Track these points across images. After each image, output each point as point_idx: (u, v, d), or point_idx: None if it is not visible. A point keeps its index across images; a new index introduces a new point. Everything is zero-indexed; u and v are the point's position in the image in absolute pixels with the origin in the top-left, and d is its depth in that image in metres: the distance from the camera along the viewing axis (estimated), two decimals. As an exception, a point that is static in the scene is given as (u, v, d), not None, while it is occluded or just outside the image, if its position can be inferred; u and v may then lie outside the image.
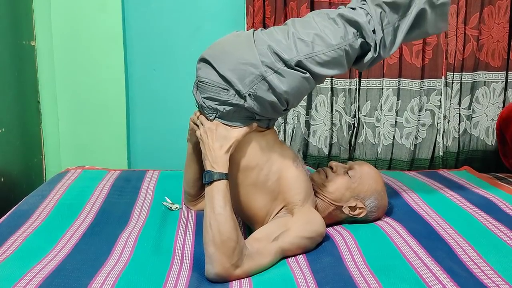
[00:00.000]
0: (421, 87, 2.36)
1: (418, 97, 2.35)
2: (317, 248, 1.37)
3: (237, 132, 1.34)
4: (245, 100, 1.31)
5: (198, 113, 1.42)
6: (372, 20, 1.35)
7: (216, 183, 1.27)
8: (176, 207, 1.67)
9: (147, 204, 1.71)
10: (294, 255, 1.33)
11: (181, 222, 1.54)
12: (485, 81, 2.38)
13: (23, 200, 1.74)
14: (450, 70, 2.35)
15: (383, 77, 2.36)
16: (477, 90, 2.39)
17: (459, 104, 2.39)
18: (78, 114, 2.41)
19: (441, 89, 2.36)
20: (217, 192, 1.26)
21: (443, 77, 2.35)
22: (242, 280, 1.21)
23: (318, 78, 1.37)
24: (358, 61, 1.41)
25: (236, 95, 1.31)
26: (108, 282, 1.15)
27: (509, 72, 2.37)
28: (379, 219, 1.54)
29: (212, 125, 1.34)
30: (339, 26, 1.34)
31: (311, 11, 2.26)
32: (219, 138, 1.32)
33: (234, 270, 1.20)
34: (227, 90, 1.31)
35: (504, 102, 2.41)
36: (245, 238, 1.30)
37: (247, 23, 2.31)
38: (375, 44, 1.36)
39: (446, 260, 1.26)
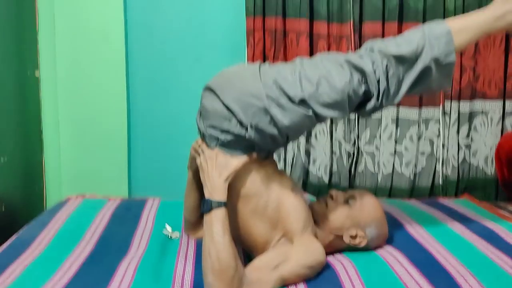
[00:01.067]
0: (420, 115, 2.39)
1: (417, 125, 2.36)
2: (318, 277, 1.37)
3: (237, 161, 1.35)
4: (247, 131, 1.33)
5: (199, 141, 1.44)
6: (377, 69, 1.37)
7: (214, 211, 1.28)
8: (176, 236, 1.67)
9: (147, 233, 1.71)
10: (294, 284, 1.32)
11: (181, 250, 1.54)
12: (482, 110, 2.41)
13: (24, 229, 1.73)
14: (448, 99, 2.37)
15: (382, 106, 2.38)
16: (475, 119, 2.42)
17: (458, 133, 2.41)
18: (80, 142, 2.43)
19: (439, 118, 2.38)
20: (216, 220, 1.26)
21: (441, 106, 2.38)
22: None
23: (319, 118, 1.38)
24: (360, 107, 1.43)
25: (238, 125, 1.33)
26: (107, 312, 1.14)
27: (506, 101, 2.40)
28: (379, 247, 1.53)
29: (212, 153, 1.36)
30: (345, 71, 1.37)
31: (310, 43, 2.32)
32: (219, 167, 1.34)
33: None
34: (230, 119, 1.33)
35: (502, 131, 2.42)
36: (245, 266, 1.30)
37: (247, 54, 2.35)
38: (379, 93, 1.38)
39: (447, 289, 1.26)
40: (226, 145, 1.36)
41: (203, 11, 2.45)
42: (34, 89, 2.38)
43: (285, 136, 1.37)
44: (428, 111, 2.39)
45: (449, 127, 2.39)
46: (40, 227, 1.72)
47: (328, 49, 2.35)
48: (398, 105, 2.38)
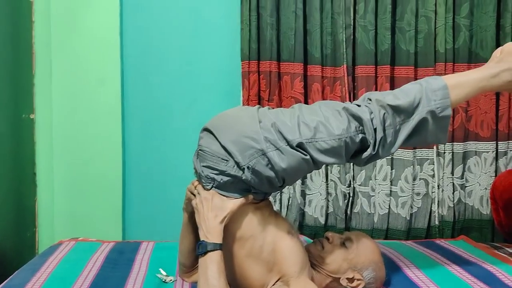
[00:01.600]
0: (414, 156, 2.40)
1: (411, 166, 2.37)
2: (315, 322, 1.34)
3: (233, 203, 1.35)
4: (243, 172, 1.33)
5: (195, 183, 1.44)
6: (375, 119, 1.39)
7: (210, 254, 1.26)
8: (171, 280, 1.64)
9: (141, 277, 1.67)
10: (292, 329, 1.29)
11: (176, 295, 1.51)
12: (476, 151, 2.43)
13: (15, 274, 1.70)
14: (442, 140, 2.39)
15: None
16: (469, 160, 2.43)
17: (452, 173, 2.42)
18: (74, 186, 2.41)
19: (433, 158, 2.40)
20: (211, 263, 1.25)
21: (434, 146, 2.39)
22: None
23: (316, 164, 1.39)
24: (357, 155, 1.44)
25: (235, 167, 1.34)
26: None
27: (498, 142, 2.42)
28: (377, 290, 1.51)
29: (208, 195, 1.36)
30: (343, 118, 1.39)
31: (304, 85, 2.35)
32: (214, 208, 1.33)
33: None
34: (227, 161, 1.34)
35: (496, 171, 2.44)
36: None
37: (242, 96, 2.37)
38: (375, 142, 1.40)
39: (447, 333, 1.23)
40: (222, 187, 1.36)
41: (199, 54, 2.49)
42: (29, 132, 2.39)
43: (282, 179, 1.38)
44: (422, 152, 2.41)
45: (443, 168, 2.40)
46: (32, 272, 1.69)
47: (323, 91, 2.38)
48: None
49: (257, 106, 1.48)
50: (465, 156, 2.43)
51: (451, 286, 1.53)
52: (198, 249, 1.28)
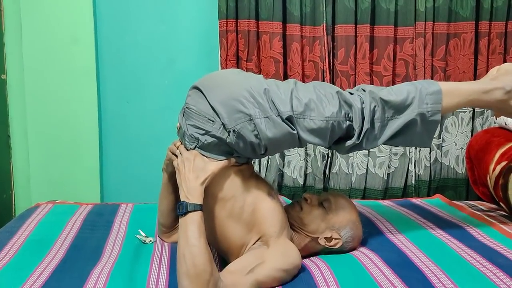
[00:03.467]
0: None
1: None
2: (293, 279, 1.36)
3: (215, 165, 1.35)
4: (228, 135, 1.33)
5: (177, 143, 1.42)
6: (365, 109, 1.39)
7: (190, 214, 1.26)
8: (150, 240, 1.64)
9: (120, 238, 1.68)
10: (270, 287, 1.31)
11: (155, 255, 1.52)
12: (453, 111, 2.45)
13: (-9, 237, 1.68)
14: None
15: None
16: (446, 120, 2.46)
17: (429, 133, 2.44)
18: (49, 148, 2.37)
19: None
20: (191, 223, 1.25)
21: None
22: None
23: (300, 141, 1.39)
24: (340, 142, 1.44)
25: (221, 128, 1.33)
26: (79, 321, 1.11)
27: (476, 102, 2.44)
28: (354, 249, 1.54)
29: (190, 155, 1.35)
30: (335, 101, 1.38)
31: (283, 44, 2.32)
32: (196, 169, 1.32)
33: None
34: (213, 121, 1.33)
35: (472, 131, 2.47)
36: (220, 270, 1.28)
37: (220, 56, 2.33)
38: (360, 132, 1.40)
39: (421, 288, 1.27)
40: (206, 148, 1.36)
41: (176, 13, 2.43)
42: (1, 93, 2.32)
43: (265, 148, 1.37)
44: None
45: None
46: (9, 235, 1.67)
47: (302, 50, 2.35)
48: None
49: (251, 73, 1.47)
50: (443, 115, 2.45)
51: (426, 243, 1.57)
52: (179, 209, 1.28)
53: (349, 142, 1.41)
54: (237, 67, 2.33)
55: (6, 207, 2.36)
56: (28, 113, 2.34)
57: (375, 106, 1.40)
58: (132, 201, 2.17)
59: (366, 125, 1.39)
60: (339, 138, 1.43)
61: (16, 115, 2.38)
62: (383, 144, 1.45)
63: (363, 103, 1.39)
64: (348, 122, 1.39)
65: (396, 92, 1.42)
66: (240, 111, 1.32)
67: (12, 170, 2.41)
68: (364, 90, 1.43)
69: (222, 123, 1.33)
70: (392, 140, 1.45)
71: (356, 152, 2.38)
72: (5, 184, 2.36)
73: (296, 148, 2.38)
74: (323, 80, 2.37)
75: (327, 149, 2.38)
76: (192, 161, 1.34)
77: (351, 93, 1.43)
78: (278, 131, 1.34)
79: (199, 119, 1.35)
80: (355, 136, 1.39)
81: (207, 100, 1.34)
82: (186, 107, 1.39)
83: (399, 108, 1.41)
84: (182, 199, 1.30)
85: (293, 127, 1.35)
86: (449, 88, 1.45)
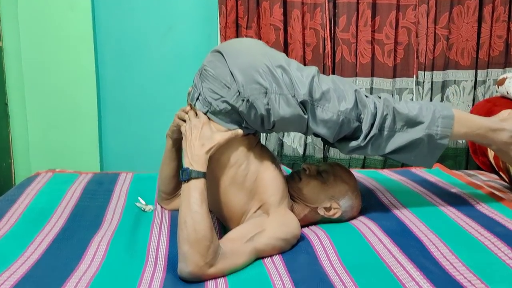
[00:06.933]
0: (393, 86, 2.39)
1: (390, 95, 2.37)
2: (293, 248, 1.37)
3: (221, 136, 1.34)
4: (241, 103, 1.32)
5: (187, 108, 1.41)
6: (377, 115, 1.40)
7: (193, 181, 1.26)
8: (150, 208, 1.65)
9: (120, 207, 1.68)
10: (269, 256, 1.32)
11: (155, 223, 1.52)
12: (455, 80, 2.43)
13: (-9, 205, 1.69)
14: (421, 69, 2.38)
15: (356, 76, 2.38)
16: (448, 89, 2.44)
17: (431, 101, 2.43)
18: (48, 116, 2.36)
19: (412, 88, 2.39)
20: (194, 190, 1.25)
21: (414, 76, 2.38)
22: (217, 280, 1.20)
23: (308, 128, 1.40)
24: (344, 141, 1.44)
25: (235, 96, 1.32)
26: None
27: (478, 70, 2.42)
28: (353, 218, 1.55)
29: (198, 122, 1.34)
30: (351, 99, 1.39)
31: (284, 11, 2.29)
32: (203, 137, 1.32)
33: (208, 269, 1.19)
34: (229, 88, 1.32)
35: (473, 100, 2.45)
36: (220, 237, 1.29)
37: (220, 23, 2.30)
38: (367, 135, 1.40)
39: (420, 257, 1.28)
40: (217, 114, 1.35)
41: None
42: (-2, 60, 2.30)
43: (273, 124, 1.37)
44: (402, 81, 2.40)
45: (422, 97, 2.41)
46: (9, 203, 1.68)
47: (303, 18, 2.32)
48: (372, 75, 2.38)
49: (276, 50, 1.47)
50: (444, 85, 2.43)
51: (425, 212, 1.57)
52: (182, 175, 1.28)
53: (353, 143, 1.42)
54: (237, 35, 2.30)
55: (5, 175, 2.36)
56: (25, 81, 2.32)
57: (386, 114, 1.41)
58: (131, 170, 2.17)
59: (375, 130, 1.40)
60: (344, 137, 1.44)
61: (13, 83, 2.36)
62: (385, 156, 1.48)
63: (376, 108, 1.41)
64: (357, 123, 1.40)
65: (410, 107, 1.44)
66: (258, 82, 1.31)
67: (11, 139, 2.40)
68: (379, 98, 1.45)
69: (238, 90, 1.32)
70: (395, 155, 1.47)
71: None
72: (4, 152, 2.36)
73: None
74: (324, 48, 2.34)
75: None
76: (200, 128, 1.33)
77: (366, 96, 1.43)
78: (290, 111, 1.34)
79: (215, 83, 1.34)
80: (361, 138, 1.41)
81: (227, 65, 1.33)
82: (204, 69, 1.37)
83: (410, 123, 1.43)
84: (185, 165, 1.29)
85: (305, 111, 1.35)
86: (462, 117, 1.48)
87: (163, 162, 1.59)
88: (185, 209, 1.23)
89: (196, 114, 1.37)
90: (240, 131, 1.38)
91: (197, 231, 1.19)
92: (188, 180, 1.27)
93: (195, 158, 1.29)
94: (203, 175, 1.28)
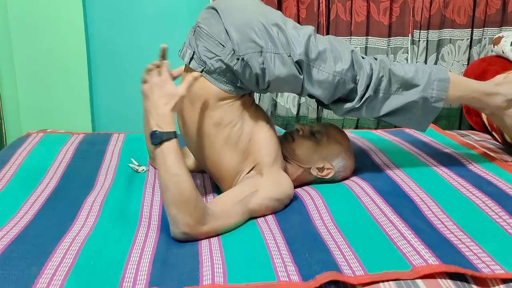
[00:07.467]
0: (388, 45, 2.36)
1: (385, 55, 2.35)
2: (286, 208, 1.38)
3: (182, 88, 1.28)
4: (236, 62, 1.28)
5: (150, 66, 1.36)
6: (373, 76, 1.38)
7: (165, 144, 1.22)
8: (143, 169, 1.65)
9: (112, 167, 1.68)
10: (262, 216, 1.33)
11: (148, 183, 1.52)
12: (450, 39, 2.40)
13: (-18, 166, 1.68)
14: (417, 28, 2.35)
15: (350, 35, 2.34)
16: (443, 48, 2.41)
17: (425, 62, 2.40)
18: (37, 76, 2.32)
19: (407, 47, 2.37)
20: (169, 153, 1.21)
21: (409, 35, 2.35)
22: (211, 239, 1.21)
23: (303, 89, 1.38)
24: (339, 103, 1.43)
25: (230, 55, 1.28)
26: (73, 248, 1.13)
27: (474, 29, 2.39)
28: (346, 178, 1.55)
29: (160, 81, 1.28)
30: (347, 59, 1.37)
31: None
32: (166, 95, 1.26)
33: (200, 227, 1.20)
34: (223, 46, 1.29)
35: (468, 59, 2.43)
36: (214, 196, 1.29)
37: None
38: (362, 96, 1.39)
39: (411, 216, 1.29)
40: (212, 73, 1.31)
41: None
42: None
43: (268, 84, 1.34)
44: (397, 40, 2.37)
45: (417, 56, 2.38)
46: (0, 163, 1.67)
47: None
48: (367, 34, 2.34)
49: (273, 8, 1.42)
50: (440, 44, 2.40)
51: (418, 172, 1.58)
52: (152, 139, 1.23)
53: (348, 105, 1.41)
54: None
55: (-4, 135, 2.35)
56: (13, 40, 2.27)
57: (382, 76, 1.40)
58: (123, 130, 2.15)
59: (370, 92, 1.39)
60: (339, 99, 1.42)
61: (0, 42, 2.31)
62: (379, 119, 1.47)
63: (372, 69, 1.39)
64: (353, 84, 1.39)
65: (406, 69, 1.43)
66: (253, 41, 1.28)
67: (1, 99, 2.37)
68: (376, 59, 1.43)
69: (233, 49, 1.28)
70: (389, 117, 1.46)
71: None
72: (-6, 113, 2.33)
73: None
74: (319, 6, 2.30)
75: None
76: (162, 87, 1.27)
77: (362, 57, 1.41)
78: (286, 71, 1.31)
79: (209, 41, 1.30)
80: (356, 99, 1.40)
81: (222, 22, 1.29)
82: (198, 26, 1.33)
83: (406, 85, 1.42)
84: (153, 128, 1.23)
85: (301, 71, 1.33)
86: (457, 80, 1.47)
87: (145, 122, 1.53)
88: (164, 173, 1.21)
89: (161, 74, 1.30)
90: (196, 73, 1.31)
91: (182, 193, 1.18)
92: (160, 143, 1.22)
93: (161, 118, 1.23)
94: (174, 134, 1.22)
